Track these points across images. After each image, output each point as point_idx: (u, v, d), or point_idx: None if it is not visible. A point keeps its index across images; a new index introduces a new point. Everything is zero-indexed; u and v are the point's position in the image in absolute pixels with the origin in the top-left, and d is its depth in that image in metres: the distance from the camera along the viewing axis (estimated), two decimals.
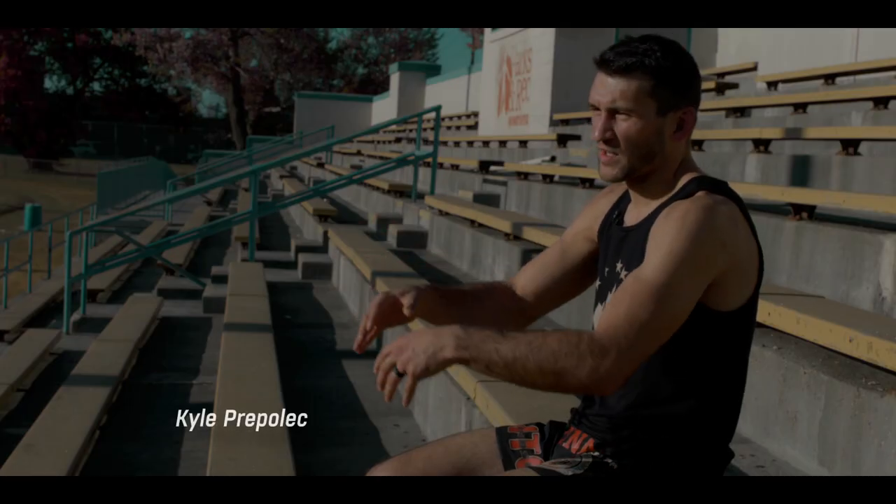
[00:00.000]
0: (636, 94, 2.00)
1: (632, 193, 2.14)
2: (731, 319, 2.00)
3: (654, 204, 2.07)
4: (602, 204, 2.26)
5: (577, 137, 12.17)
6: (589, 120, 12.56)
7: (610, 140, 2.03)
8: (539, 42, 14.50)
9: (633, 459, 2.03)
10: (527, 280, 2.29)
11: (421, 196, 11.65)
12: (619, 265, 2.10)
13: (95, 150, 73.29)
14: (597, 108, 2.06)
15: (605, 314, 1.93)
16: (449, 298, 2.21)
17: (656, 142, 2.03)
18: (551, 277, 2.27)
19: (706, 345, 1.99)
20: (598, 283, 2.20)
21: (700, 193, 2.00)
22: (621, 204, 2.19)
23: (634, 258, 2.04)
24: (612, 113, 2.03)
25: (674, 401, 2.00)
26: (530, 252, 6.68)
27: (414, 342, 1.87)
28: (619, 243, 2.13)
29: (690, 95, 2.05)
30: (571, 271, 2.27)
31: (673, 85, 2.01)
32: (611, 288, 2.12)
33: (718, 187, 2.03)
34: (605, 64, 2.03)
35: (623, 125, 2.02)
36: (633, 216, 2.13)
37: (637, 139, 2.02)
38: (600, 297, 2.17)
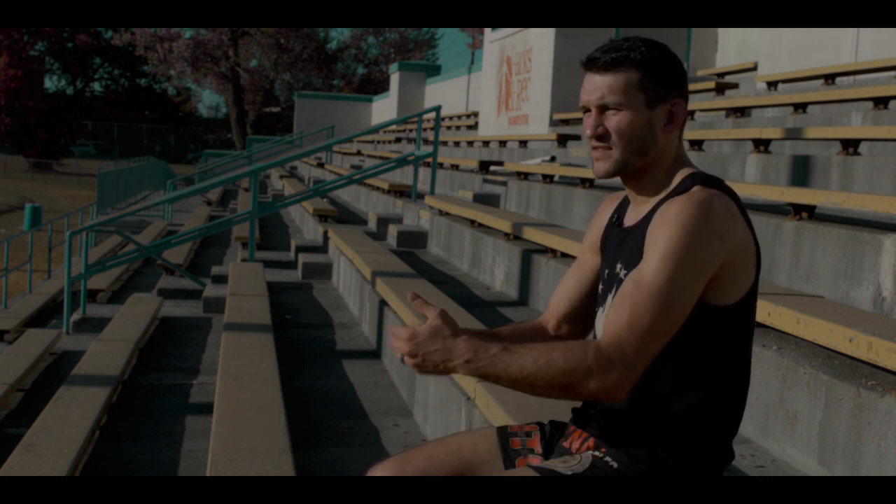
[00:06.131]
0: (624, 87, 2.02)
1: (629, 194, 2.15)
2: (730, 314, 2.00)
3: (652, 202, 2.08)
4: (604, 213, 2.28)
5: (577, 137, 12.18)
6: None
7: (602, 135, 2.05)
8: (539, 42, 14.51)
9: (633, 459, 2.03)
10: (553, 311, 2.30)
11: (421, 196, 11.65)
12: (618, 266, 2.11)
13: (95, 150, 73.33)
14: (588, 110, 2.08)
15: (609, 321, 1.94)
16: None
17: (648, 135, 2.05)
18: (574, 300, 2.28)
19: (706, 341, 1.99)
20: (600, 286, 2.20)
21: (695, 188, 2.01)
22: (622, 208, 2.21)
23: (633, 258, 2.04)
24: (603, 109, 2.05)
25: (674, 399, 2.00)
26: (530, 252, 6.68)
27: (424, 352, 1.92)
28: (619, 245, 2.13)
29: (678, 88, 2.07)
30: (591, 288, 2.27)
31: (660, 77, 2.04)
32: (611, 290, 2.12)
33: (714, 182, 2.04)
34: (591, 62, 2.06)
35: (614, 119, 2.04)
36: (631, 217, 2.14)
37: (628, 132, 2.03)
38: (601, 301, 2.17)
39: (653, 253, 1.94)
